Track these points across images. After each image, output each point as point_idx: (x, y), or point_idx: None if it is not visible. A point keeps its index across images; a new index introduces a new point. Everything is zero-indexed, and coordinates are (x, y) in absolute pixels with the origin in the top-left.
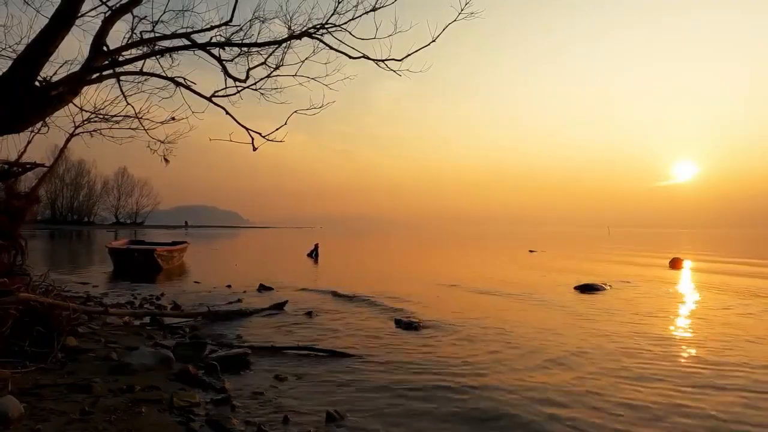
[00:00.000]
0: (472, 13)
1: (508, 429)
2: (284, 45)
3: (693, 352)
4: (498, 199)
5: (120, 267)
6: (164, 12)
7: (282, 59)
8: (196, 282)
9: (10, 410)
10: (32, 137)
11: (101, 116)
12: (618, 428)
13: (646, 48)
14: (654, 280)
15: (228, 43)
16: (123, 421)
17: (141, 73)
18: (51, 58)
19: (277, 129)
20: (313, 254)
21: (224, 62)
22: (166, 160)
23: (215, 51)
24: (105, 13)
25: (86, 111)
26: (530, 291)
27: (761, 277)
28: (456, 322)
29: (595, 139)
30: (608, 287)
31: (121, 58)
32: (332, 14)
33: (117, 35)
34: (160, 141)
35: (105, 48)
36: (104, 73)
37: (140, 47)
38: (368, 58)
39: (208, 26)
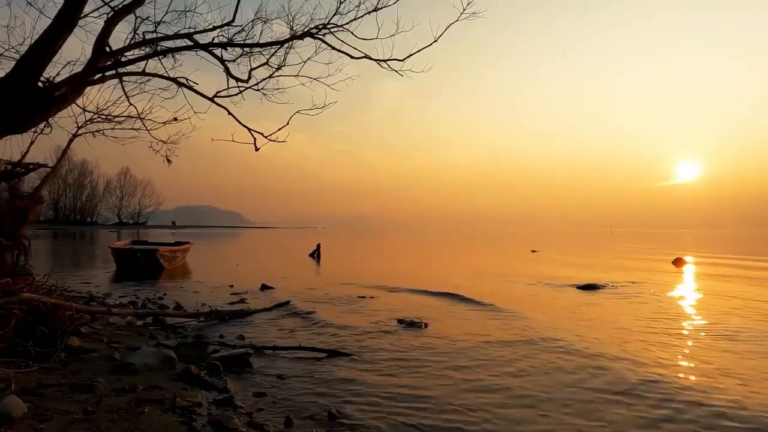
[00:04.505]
0: (474, 13)
1: (509, 425)
2: (286, 45)
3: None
4: (499, 199)
5: (123, 267)
6: (166, 12)
7: (284, 59)
8: (198, 282)
9: (13, 410)
10: (35, 138)
11: (104, 117)
12: None
13: (647, 47)
14: (658, 279)
15: (230, 43)
16: (126, 421)
17: (143, 73)
18: (54, 59)
19: (279, 129)
20: (315, 254)
21: (226, 63)
22: (169, 161)
23: (217, 51)
24: (107, 13)
25: (89, 111)
26: (534, 291)
27: (764, 270)
28: (459, 321)
29: (597, 139)
30: (612, 286)
31: (123, 59)
32: (334, 14)
33: (119, 36)
34: (162, 141)
35: (107, 48)
36: (107, 73)
37: (143, 48)
38: (370, 59)
39: (211, 27)
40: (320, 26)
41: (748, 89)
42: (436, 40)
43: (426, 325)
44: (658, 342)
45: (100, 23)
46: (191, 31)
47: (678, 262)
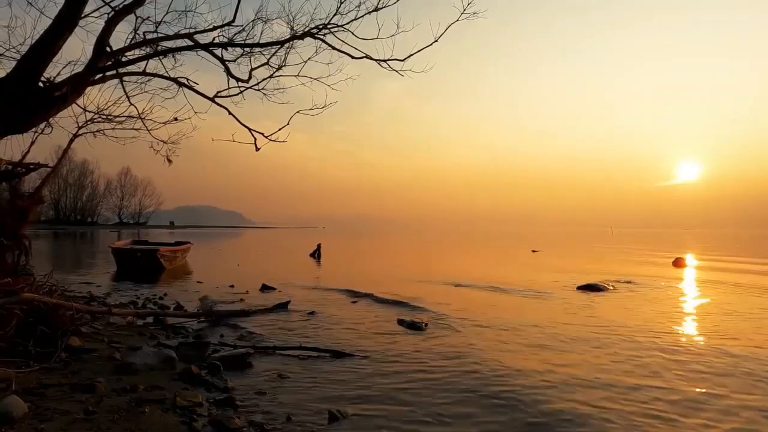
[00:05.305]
0: (474, 13)
1: (510, 427)
2: (286, 45)
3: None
4: (499, 199)
5: (123, 267)
6: (167, 13)
7: (284, 59)
8: (198, 282)
9: (14, 410)
10: (36, 138)
11: (104, 117)
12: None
13: (647, 47)
14: (659, 279)
15: (230, 43)
16: (126, 421)
17: (144, 73)
18: (54, 59)
19: (279, 129)
20: (316, 254)
21: (227, 63)
22: (169, 161)
23: (218, 51)
24: (108, 13)
25: (89, 111)
26: (535, 291)
27: (764, 274)
28: (461, 322)
29: (597, 139)
30: (612, 287)
31: (124, 59)
32: (334, 14)
33: (120, 36)
34: (163, 141)
35: (108, 48)
36: (107, 73)
37: (143, 48)
38: (371, 59)
39: (211, 27)
40: (320, 26)
41: (748, 89)
42: (436, 40)
43: (426, 325)
44: (658, 360)
45: (101, 23)
46: (192, 31)
47: (678, 263)
